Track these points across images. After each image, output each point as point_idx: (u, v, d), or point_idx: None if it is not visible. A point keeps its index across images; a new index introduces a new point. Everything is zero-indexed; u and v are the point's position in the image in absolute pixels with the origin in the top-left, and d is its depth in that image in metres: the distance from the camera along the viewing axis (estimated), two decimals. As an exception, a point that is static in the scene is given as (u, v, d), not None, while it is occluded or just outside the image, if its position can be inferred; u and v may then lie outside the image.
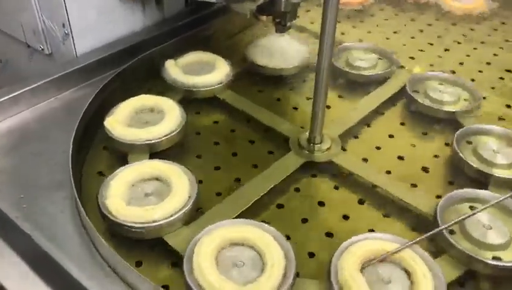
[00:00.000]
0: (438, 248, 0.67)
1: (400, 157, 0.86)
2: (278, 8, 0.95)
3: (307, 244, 0.70)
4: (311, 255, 0.69)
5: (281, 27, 1.00)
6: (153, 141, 0.81)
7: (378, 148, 0.88)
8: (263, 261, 0.63)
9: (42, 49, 1.05)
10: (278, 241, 0.65)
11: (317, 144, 0.84)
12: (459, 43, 1.20)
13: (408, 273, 0.62)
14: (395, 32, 1.25)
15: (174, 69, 0.97)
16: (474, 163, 0.79)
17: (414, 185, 0.81)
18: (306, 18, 1.27)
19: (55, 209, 0.72)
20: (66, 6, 0.94)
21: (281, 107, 0.99)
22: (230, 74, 0.98)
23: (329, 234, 0.73)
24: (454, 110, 0.91)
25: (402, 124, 0.94)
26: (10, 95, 0.88)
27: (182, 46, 1.07)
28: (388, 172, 0.83)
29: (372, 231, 0.72)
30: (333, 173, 0.82)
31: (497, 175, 0.77)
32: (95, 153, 0.86)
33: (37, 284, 0.60)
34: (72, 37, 0.98)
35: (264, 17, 1.04)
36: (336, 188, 0.80)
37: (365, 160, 0.85)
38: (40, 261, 0.64)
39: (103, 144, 0.87)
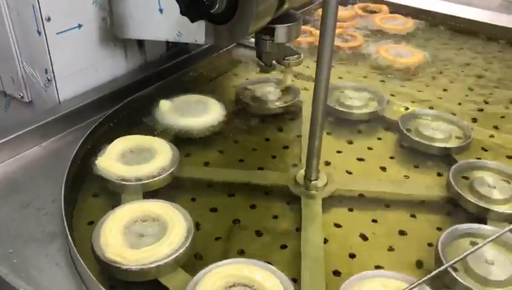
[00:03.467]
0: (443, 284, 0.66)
1: (393, 191, 0.86)
2: (262, 48, 0.97)
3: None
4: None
5: (266, 67, 1.01)
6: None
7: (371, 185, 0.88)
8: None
9: (21, 97, 1.02)
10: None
11: (313, 180, 0.84)
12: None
13: None
14: (364, 77, 1.27)
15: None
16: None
17: (413, 216, 0.81)
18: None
19: (50, 262, 0.68)
20: (49, 52, 0.92)
21: (272, 146, 0.99)
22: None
23: (336, 273, 0.71)
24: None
25: (392, 157, 0.96)
26: (-7, 144, 0.85)
27: (165, 89, 1.06)
28: (387, 205, 0.83)
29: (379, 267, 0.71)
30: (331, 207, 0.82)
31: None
32: (84, 200, 0.82)
33: None
34: (55, 83, 0.95)
35: (248, 59, 1.05)
36: (338, 225, 0.80)
37: (361, 195, 0.85)
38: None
39: (92, 191, 0.84)
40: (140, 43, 1.10)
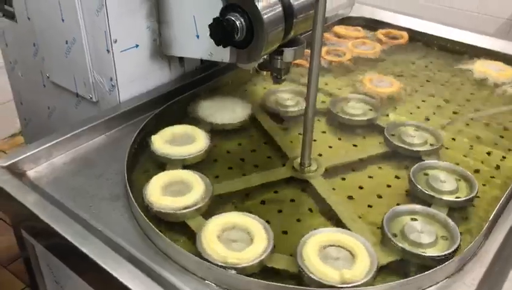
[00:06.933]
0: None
1: (370, 177, 1.15)
2: (274, 65, 1.26)
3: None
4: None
5: (277, 80, 1.30)
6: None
7: (353, 170, 1.17)
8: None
9: (91, 98, 1.34)
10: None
11: (307, 167, 1.12)
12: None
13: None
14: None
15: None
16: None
17: (380, 196, 1.09)
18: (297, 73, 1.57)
19: (117, 214, 0.99)
20: (114, 65, 1.24)
21: (279, 140, 1.28)
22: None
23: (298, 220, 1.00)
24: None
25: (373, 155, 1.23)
26: (74, 132, 1.17)
27: (200, 94, 1.37)
28: (360, 187, 1.11)
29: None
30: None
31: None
32: (139, 173, 1.13)
33: (116, 258, 0.87)
34: (118, 88, 1.27)
35: (264, 72, 1.34)
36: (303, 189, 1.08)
37: (343, 179, 1.13)
38: (111, 247, 0.91)
39: (145, 168, 1.15)
40: (181, 58, 1.41)
